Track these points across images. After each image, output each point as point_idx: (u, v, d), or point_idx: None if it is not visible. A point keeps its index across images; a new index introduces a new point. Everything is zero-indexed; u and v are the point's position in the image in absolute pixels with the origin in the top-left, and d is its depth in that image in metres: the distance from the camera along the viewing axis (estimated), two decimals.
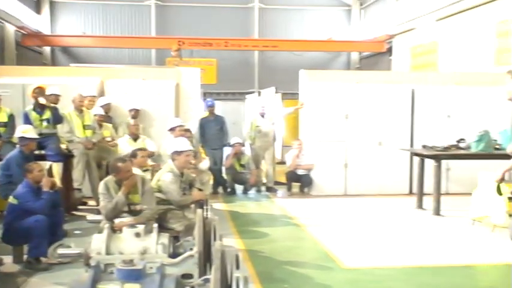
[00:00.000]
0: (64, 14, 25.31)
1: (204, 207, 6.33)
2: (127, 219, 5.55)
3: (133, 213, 5.72)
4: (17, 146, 7.62)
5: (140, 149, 7.83)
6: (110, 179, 5.85)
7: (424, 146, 10.01)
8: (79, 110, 8.95)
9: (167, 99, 10.83)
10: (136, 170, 6.40)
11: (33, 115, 8.52)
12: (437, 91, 11.69)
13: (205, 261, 4.24)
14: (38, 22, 23.37)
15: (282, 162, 13.67)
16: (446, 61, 17.74)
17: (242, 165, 11.59)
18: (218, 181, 11.65)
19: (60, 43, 24.34)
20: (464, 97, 11.61)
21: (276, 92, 15.35)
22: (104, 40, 24.35)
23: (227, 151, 11.88)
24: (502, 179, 4.89)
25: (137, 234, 4.66)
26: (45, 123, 8.56)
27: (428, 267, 6.38)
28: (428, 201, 9.56)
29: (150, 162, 8.46)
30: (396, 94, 11.60)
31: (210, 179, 10.21)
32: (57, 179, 7.93)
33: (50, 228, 6.06)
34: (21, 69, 12.00)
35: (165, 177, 6.35)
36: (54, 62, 24.55)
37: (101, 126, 9.48)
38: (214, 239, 4.34)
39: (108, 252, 4.50)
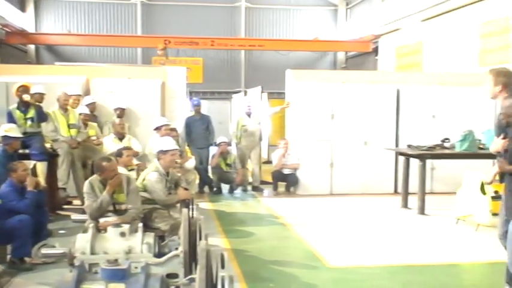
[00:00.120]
0: (49, 12, 25.11)
1: (190, 206, 6.32)
2: (112, 218, 5.53)
3: (118, 212, 5.70)
4: (1, 145, 7.54)
5: (126, 148, 7.81)
6: (94, 178, 5.82)
7: (409, 146, 10.07)
8: (64, 108, 8.89)
9: (153, 98, 10.78)
10: (121, 169, 6.38)
11: (17, 114, 8.44)
12: (422, 91, 11.77)
13: (190, 260, 4.23)
14: (23, 20, 23.17)
15: (268, 162, 13.69)
16: (431, 61, 17.86)
17: (228, 165, 11.57)
18: (204, 180, 11.63)
19: (45, 41, 24.14)
20: (449, 97, 11.70)
21: (262, 92, 15.37)
22: (89, 38, 24.20)
23: (213, 150, 11.86)
24: (492, 182, 4.93)
25: (122, 234, 4.64)
26: (29, 122, 8.48)
27: (413, 265, 6.42)
28: (413, 201, 9.62)
29: (135, 161, 8.43)
30: (382, 94, 11.65)
31: (195, 178, 10.19)
32: (42, 179, 7.86)
33: (34, 228, 6.01)
34: (5, 68, 11.88)
35: (151, 177, 6.33)
36: (38, 61, 24.36)
37: (86, 125, 9.41)
38: (200, 239, 4.33)
39: (92, 252, 4.47)
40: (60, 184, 8.70)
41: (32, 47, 24.50)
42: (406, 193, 9.99)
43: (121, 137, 9.54)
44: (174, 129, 9.63)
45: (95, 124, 9.88)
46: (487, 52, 14.90)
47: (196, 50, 24.82)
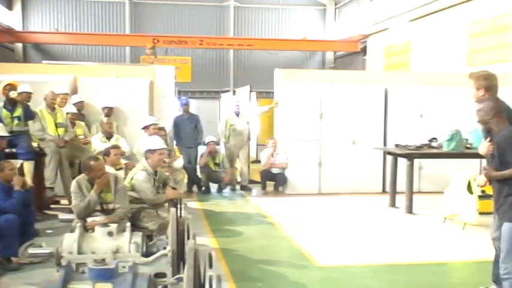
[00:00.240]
0: (36, 10, 24.94)
1: (178, 206, 6.32)
2: (99, 218, 5.51)
3: (106, 212, 5.67)
4: None
5: (113, 147, 7.77)
6: (82, 177, 5.79)
7: (397, 145, 10.11)
8: (51, 107, 8.83)
9: (141, 97, 10.74)
10: (109, 169, 6.35)
11: (4, 112, 8.37)
12: (410, 91, 11.82)
13: (178, 260, 4.23)
14: (10, 18, 23.03)
15: (257, 161, 13.69)
16: (419, 61, 17.93)
17: (217, 164, 11.56)
18: (193, 180, 11.61)
19: (32, 40, 23.97)
20: (437, 97, 11.76)
21: (251, 91, 15.37)
22: (77, 37, 24.06)
23: (202, 150, 11.84)
24: (485, 185, 4.95)
25: (110, 233, 4.63)
26: (16, 121, 8.41)
27: (401, 264, 6.45)
28: (401, 200, 9.66)
29: (123, 160, 8.40)
30: (370, 94, 11.69)
31: (184, 178, 10.18)
32: (29, 178, 7.81)
33: (21, 227, 5.97)
34: None
35: (139, 176, 6.31)
36: (26, 59, 24.18)
37: (73, 124, 9.37)
38: (188, 238, 4.33)
39: (80, 252, 4.46)
40: (47, 183, 8.65)
41: (19, 45, 24.34)
42: (394, 192, 10.03)
43: (109, 136, 9.51)
44: (162, 129, 9.61)
45: (83, 123, 9.83)
46: (475, 52, 14.99)
47: (185, 49, 24.79)
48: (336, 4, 26.79)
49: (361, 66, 22.96)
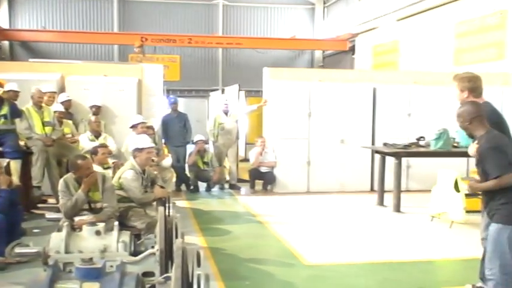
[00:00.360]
0: (23, 8, 24.75)
1: (166, 204, 6.30)
2: (87, 217, 5.49)
3: (93, 211, 5.65)
4: None
5: (101, 146, 7.75)
6: (69, 176, 5.76)
7: (385, 144, 10.14)
8: (38, 106, 8.78)
9: (129, 96, 10.70)
10: (97, 168, 6.33)
11: None
12: (398, 90, 11.87)
13: (166, 259, 4.22)
14: None
15: (246, 160, 13.69)
16: (407, 60, 18.01)
17: (205, 163, 11.54)
18: (181, 178, 11.59)
19: (19, 37, 23.79)
20: (424, 96, 11.82)
21: (240, 90, 15.35)
22: (65, 35, 23.89)
23: (190, 148, 11.83)
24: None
25: (97, 233, 4.61)
26: (2, 119, 8.33)
27: (389, 262, 6.48)
28: (389, 198, 9.70)
29: (111, 159, 8.37)
30: (358, 92, 11.73)
31: (172, 177, 10.18)
32: (16, 177, 7.75)
33: (8, 226, 5.92)
34: None
35: (127, 175, 6.30)
36: (12, 57, 23.98)
37: (61, 123, 9.33)
38: (176, 237, 4.32)
39: (67, 251, 4.44)
40: (34, 182, 8.60)
41: (6, 43, 24.13)
42: (382, 191, 10.06)
43: (97, 135, 9.47)
44: (150, 127, 9.59)
45: (70, 122, 9.79)
46: (462, 51, 15.08)
47: (173, 47, 24.72)
48: (324, 3, 26.83)
49: (350, 65, 23.01)
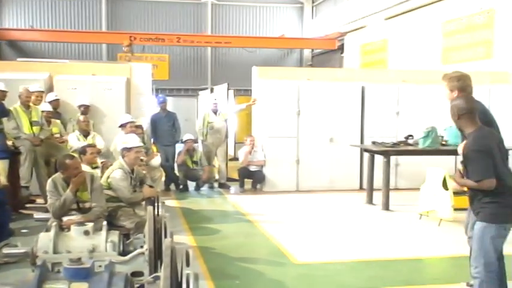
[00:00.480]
0: (11, 7, 24.59)
1: (155, 204, 6.29)
2: (76, 217, 5.48)
3: (82, 211, 5.63)
4: None
5: (89, 146, 7.71)
6: (57, 176, 5.74)
7: (373, 142, 10.17)
8: (26, 105, 8.74)
9: (118, 95, 10.67)
10: (85, 167, 6.31)
11: None
12: (387, 88, 11.91)
13: (156, 258, 4.21)
14: None
15: (235, 159, 13.69)
16: (396, 59, 18.10)
17: (194, 162, 11.53)
18: (170, 178, 11.57)
19: (6, 37, 23.63)
20: (412, 94, 11.87)
21: (229, 89, 15.34)
22: (53, 34, 23.78)
23: (179, 148, 11.81)
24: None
25: (86, 232, 4.59)
26: None
27: (377, 260, 6.50)
28: (378, 197, 9.74)
29: (100, 159, 8.33)
30: (347, 91, 11.75)
31: (161, 176, 10.15)
32: (3, 177, 7.70)
33: None
34: None
35: (115, 174, 6.28)
36: (0, 57, 23.83)
37: (49, 122, 9.28)
38: (165, 236, 4.31)
39: (55, 251, 4.41)
40: (22, 182, 8.56)
41: None
42: (371, 189, 10.10)
43: (86, 134, 9.43)
44: (139, 127, 9.55)
45: (58, 121, 9.74)
46: (450, 50, 15.17)
47: (162, 46, 24.69)
48: (313, 2, 26.88)
49: (339, 64, 23.08)
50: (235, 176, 11.88)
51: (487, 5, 13.74)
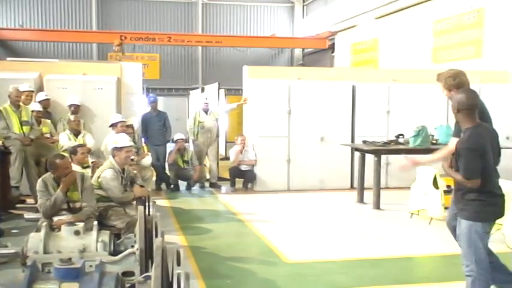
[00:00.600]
0: (0, 6, 24.45)
1: (146, 203, 6.28)
2: (66, 217, 5.45)
3: (72, 210, 5.61)
4: None
5: (80, 146, 7.69)
6: (48, 176, 5.72)
7: (364, 142, 10.20)
8: (16, 105, 8.69)
9: (108, 94, 10.63)
10: (75, 167, 6.28)
11: None
12: (377, 88, 11.94)
13: (147, 258, 4.21)
14: None
15: (226, 158, 13.68)
16: (387, 58, 18.16)
17: (185, 161, 11.51)
18: (161, 177, 11.55)
19: None
20: (403, 93, 11.90)
21: (220, 88, 15.34)
22: (43, 33, 23.69)
23: (170, 147, 11.79)
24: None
25: (76, 232, 4.57)
26: None
27: (368, 259, 6.52)
28: (369, 196, 9.76)
29: (91, 159, 8.31)
30: (337, 90, 11.77)
31: (152, 175, 10.13)
32: None
33: None
34: None
35: (106, 174, 6.27)
36: None
37: (39, 122, 9.23)
38: (156, 236, 4.30)
39: (46, 251, 4.39)
40: (13, 182, 8.52)
41: None
42: (361, 188, 10.12)
43: (76, 134, 9.40)
44: (130, 126, 9.54)
45: (49, 121, 9.70)
46: (440, 49, 15.24)
47: (153, 45, 24.66)
48: (304, 1, 26.93)
49: (329, 63, 23.12)
50: (226, 175, 11.88)
51: (477, 4, 13.81)
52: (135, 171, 7.06)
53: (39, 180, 5.74)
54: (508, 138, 10.37)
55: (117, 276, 3.48)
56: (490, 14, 13.40)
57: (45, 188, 5.61)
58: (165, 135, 11.67)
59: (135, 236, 4.62)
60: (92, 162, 8.06)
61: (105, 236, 4.62)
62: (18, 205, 9.02)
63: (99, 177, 6.31)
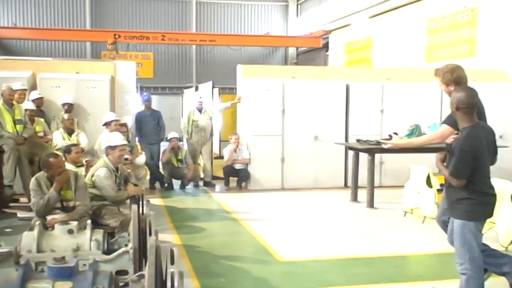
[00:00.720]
0: None
1: (140, 202, 6.27)
2: (59, 215, 5.44)
3: (66, 209, 5.61)
4: None
5: (74, 145, 7.67)
6: (41, 174, 5.70)
7: (358, 140, 10.21)
8: (9, 104, 8.66)
9: (102, 93, 10.61)
10: (69, 166, 6.27)
11: None
12: (371, 86, 11.95)
13: (140, 257, 4.20)
14: None
15: (220, 157, 13.68)
16: (381, 57, 18.18)
17: (179, 160, 11.50)
18: (155, 176, 11.54)
19: None
20: (396, 92, 11.92)
21: (214, 87, 15.32)
22: (36, 32, 23.60)
23: (164, 146, 11.78)
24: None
25: (70, 231, 4.56)
26: None
27: (362, 258, 6.53)
28: (363, 194, 9.77)
29: (85, 157, 8.29)
30: (331, 89, 11.77)
31: (146, 174, 10.11)
32: None
33: None
34: None
35: (99, 173, 6.26)
36: None
37: (32, 121, 9.20)
38: (150, 235, 4.30)
39: (39, 250, 4.38)
40: (6, 181, 8.50)
41: None
42: (355, 187, 10.14)
43: (70, 132, 9.37)
44: (124, 125, 9.52)
45: (42, 120, 9.67)
46: (434, 48, 15.27)
47: (146, 44, 24.62)
48: (298, 0, 26.93)
49: (323, 62, 23.14)
50: (221, 174, 11.87)
51: (471, 3, 13.84)
52: (129, 170, 7.05)
53: (33, 179, 5.73)
54: (501, 137, 10.39)
55: (111, 275, 3.47)
56: (484, 12, 13.43)
57: (38, 187, 5.59)
58: (159, 134, 11.66)
59: (128, 234, 4.61)
60: (86, 161, 8.04)
61: (99, 234, 4.61)
62: (11, 204, 9.00)
63: (92, 175, 6.31)
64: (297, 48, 27.07)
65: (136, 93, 12.82)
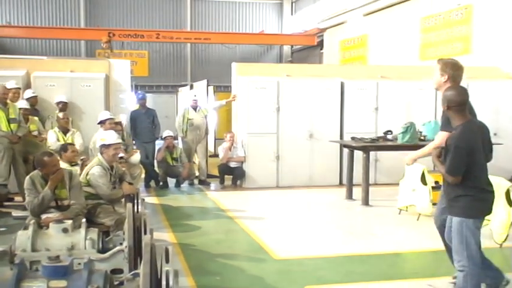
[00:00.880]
0: None
1: (135, 201, 6.26)
2: (54, 214, 5.43)
3: (61, 208, 5.60)
4: None
5: (70, 144, 7.66)
6: (35, 173, 5.69)
7: (353, 138, 10.23)
8: (3, 102, 8.63)
9: (97, 91, 10.60)
10: (63, 165, 6.25)
11: None
12: (365, 84, 11.96)
13: (135, 255, 4.20)
14: None
15: (215, 155, 13.67)
16: (376, 55, 18.20)
17: (174, 159, 11.49)
18: (150, 174, 11.53)
19: None
20: (391, 90, 11.93)
21: (209, 85, 15.30)
22: (30, 30, 23.51)
23: (159, 144, 11.77)
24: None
25: (65, 230, 4.55)
26: None
27: (357, 255, 6.54)
28: (358, 192, 9.79)
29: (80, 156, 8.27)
30: (326, 87, 11.77)
31: (141, 173, 10.10)
32: None
33: None
34: None
35: (94, 171, 6.25)
36: None
37: (26, 119, 9.18)
38: (145, 233, 4.30)
39: (34, 249, 4.37)
40: (0, 180, 8.48)
41: None
42: (350, 185, 10.15)
43: (65, 131, 9.35)
44: (118, 123, 9.50)
45: (36, 118, 9.65)
46: (428, 46, 15.30)
47: (141, 42, 24.56)
48: None
49: (318, 60, 23.16)
50: (216, 172, 11.86)
51: (465, 0, 13.87)
52: (123, 169, 7.03)
53: (27, 178, 5.72)
54: (495, 134, 10.43)
55: (106, 273, 3.47)
56: (478, 10, 13.46)
57: (32, 186, 5.58)
58: (153, 133, 11.66)
59: (123, 233, 4.61)
60: (81, 160, 8.01)
61: (94, 233, 4.60)
62: (6, 203, 8.99)
63: (87, 174, 6.30)
64: (292, 46, 27.06)
65: (131, 92, 12.80)
